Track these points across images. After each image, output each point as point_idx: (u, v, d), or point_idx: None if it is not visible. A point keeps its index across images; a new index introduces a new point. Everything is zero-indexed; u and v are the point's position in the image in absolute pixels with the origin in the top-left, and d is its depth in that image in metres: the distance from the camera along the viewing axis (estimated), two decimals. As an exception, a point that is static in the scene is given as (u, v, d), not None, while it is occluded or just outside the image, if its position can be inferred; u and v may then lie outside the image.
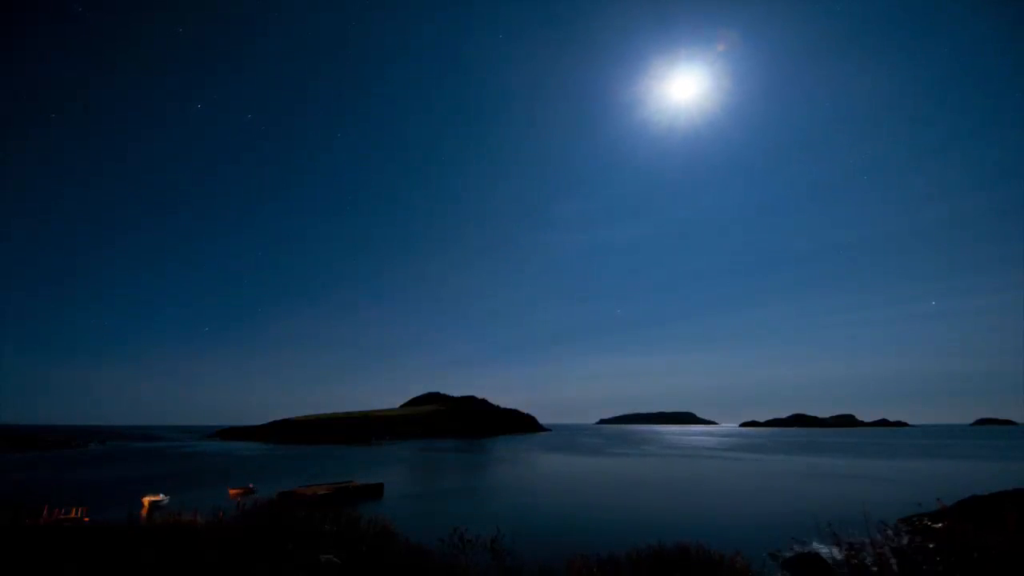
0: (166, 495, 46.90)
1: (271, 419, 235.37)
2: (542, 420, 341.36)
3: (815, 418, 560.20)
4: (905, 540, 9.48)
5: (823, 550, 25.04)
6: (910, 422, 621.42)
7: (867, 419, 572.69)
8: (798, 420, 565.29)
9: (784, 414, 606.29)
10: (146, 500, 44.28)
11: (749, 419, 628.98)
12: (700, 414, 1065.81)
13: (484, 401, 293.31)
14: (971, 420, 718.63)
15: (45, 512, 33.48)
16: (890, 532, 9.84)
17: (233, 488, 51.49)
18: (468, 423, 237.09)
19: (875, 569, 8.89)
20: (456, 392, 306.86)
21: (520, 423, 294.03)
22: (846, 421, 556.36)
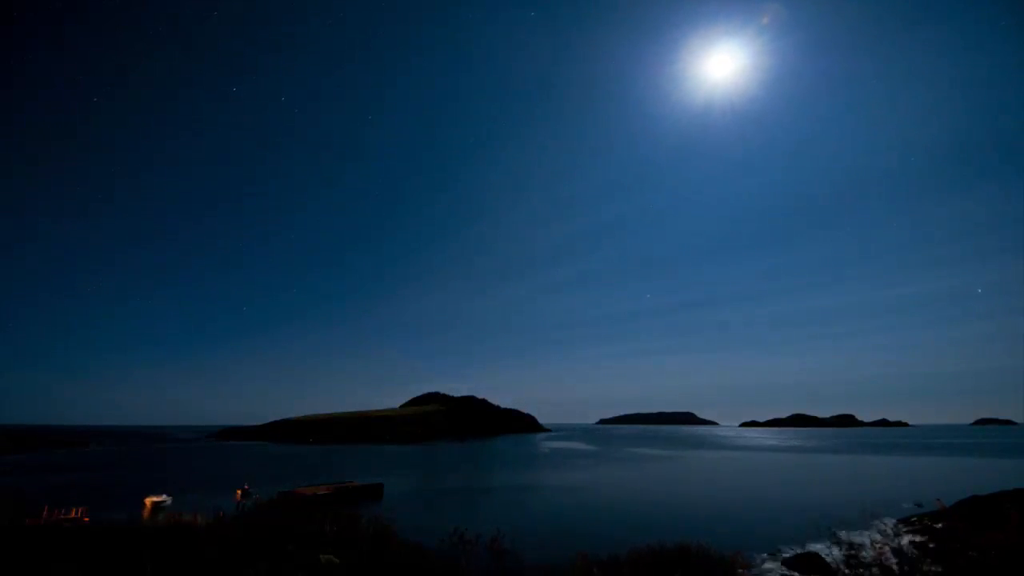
0: (169, 495, 46.90)
1: (271, 419, 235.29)
2: (542, 420, 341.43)
3: (815, 418, 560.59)
4: (905, 540, 9.49)
5: (823, 550, 25.02)
6: (910, 422, 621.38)
7: (867, 419, 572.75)
8: (798, 420, 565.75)
9: (784, 414, 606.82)
10: (148, 500, 44.21)
11: (749, 419, 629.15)
12: (700, 414, 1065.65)
13: (484, 401, 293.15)
14: (971, 420, 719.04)
15: (45, 512, 33.45)
16: (890, 532, 9.86)
17: (241, 489, 51.19)
18: (468, 423, 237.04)
19: (875, 569, 8.90)
20: (456, 392, 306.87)
21: (520, 423, 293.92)
22: (846, 421, 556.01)
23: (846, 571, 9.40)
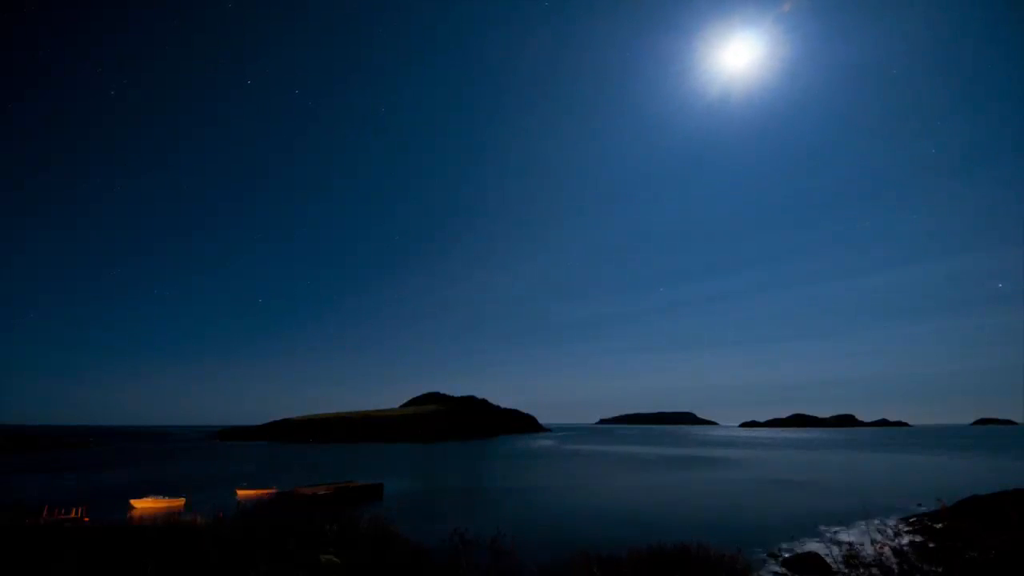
0: (163, 496, 46.84)
1: (271, 419, 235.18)
2: (542, 420, 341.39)
3: (815, 418, 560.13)
4: (905, 540, 9.49)
5: (823, 550, 25.05)
6: (910, 422, 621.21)
7: (867, 419, 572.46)
8: (798, 420, 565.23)
9: (784, 414, 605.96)
10: (136, 503, 44.03)
11: (749, 419, 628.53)
12: (700, 414, 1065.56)
13: (484, 401, 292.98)
14: (971, 420, 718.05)
15: (45, 512, 33.50)
16: (890, 532, 9.86)
17: (242, 490, 50.90)
18: (468, 423, 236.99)
19: (875, 569, 8.90)
20: (456, 392, 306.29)
21: (520, 423, 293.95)
22: (846, 421, 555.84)
23: (846, 571, 9.39)
